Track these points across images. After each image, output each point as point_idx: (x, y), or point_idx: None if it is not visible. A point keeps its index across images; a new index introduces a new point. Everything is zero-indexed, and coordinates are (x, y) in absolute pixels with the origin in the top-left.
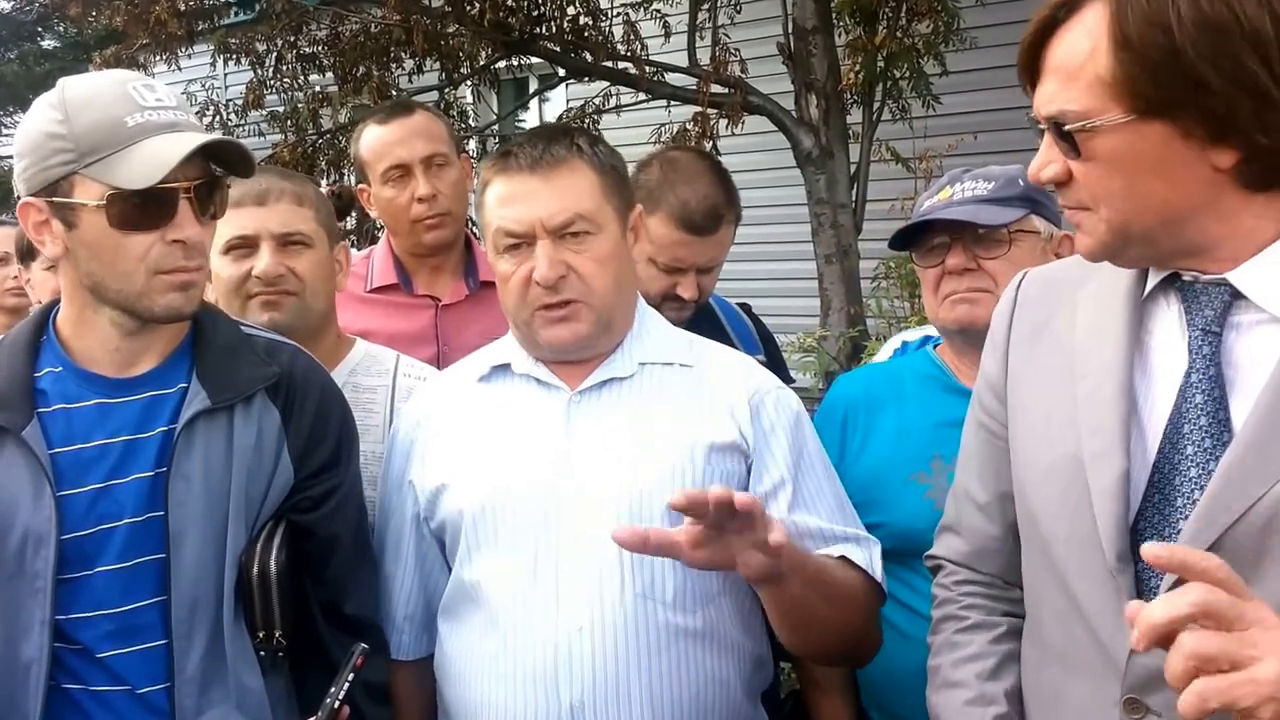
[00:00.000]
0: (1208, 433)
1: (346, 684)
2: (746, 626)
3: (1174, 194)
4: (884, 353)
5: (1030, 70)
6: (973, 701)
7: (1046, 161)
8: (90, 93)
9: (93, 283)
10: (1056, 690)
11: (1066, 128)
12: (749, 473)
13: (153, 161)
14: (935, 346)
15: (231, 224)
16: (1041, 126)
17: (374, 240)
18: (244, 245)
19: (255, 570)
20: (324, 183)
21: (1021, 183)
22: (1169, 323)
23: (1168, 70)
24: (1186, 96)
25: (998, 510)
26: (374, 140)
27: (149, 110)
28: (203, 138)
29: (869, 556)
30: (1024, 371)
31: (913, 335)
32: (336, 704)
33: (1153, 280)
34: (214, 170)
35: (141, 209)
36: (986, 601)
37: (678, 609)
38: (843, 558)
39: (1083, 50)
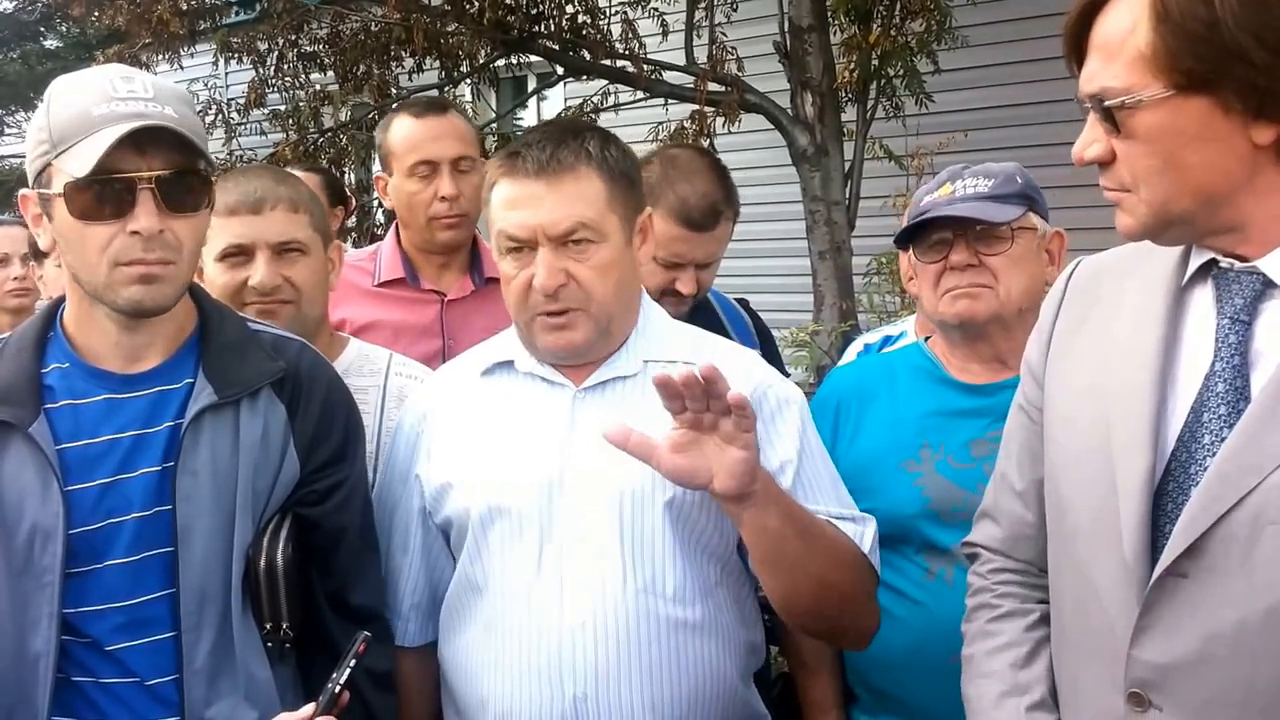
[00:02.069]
0: (1226, 422)
1: (348, 669)
2: (742, 616)
3: (1213, 172)
4: (849, 355)
5: (1076, 51)
6: (1007, 693)
7: (1090, 141)
8: (72, 86)
9: (72, 274)
10: (1071, 675)
11: (1107, 104)
12: None
13: (93, 150)
14: (928, 340)
15: (227, 232)
16: (1086, 105)
17: (374, 239)
18: (240, 254)
19: (262, 563)
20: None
21: (1019, 180)
22: (1203, 311)
23: (1208, 43)
24: (1227, 69)
25: (1034, 497)
26: (406, 133)
27: (117, 100)
28: (136, 124)
29: (861, 533)
30: (1064, 360)
31: (873, 337)
32: (337, 688)
33: (1192, 267)
34: (197, 165)
35: (99, 199)
36: (1021, 589)
37: (678, 602)
38: (829, 521)
39: (1124, 26)
